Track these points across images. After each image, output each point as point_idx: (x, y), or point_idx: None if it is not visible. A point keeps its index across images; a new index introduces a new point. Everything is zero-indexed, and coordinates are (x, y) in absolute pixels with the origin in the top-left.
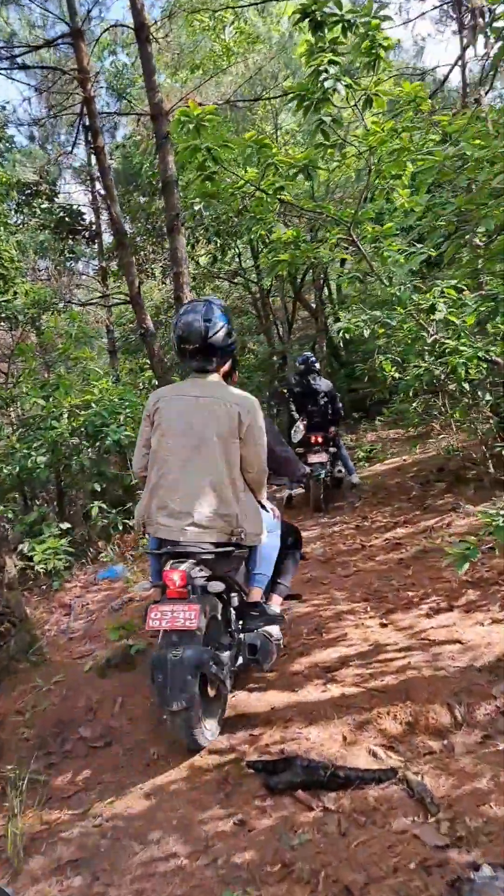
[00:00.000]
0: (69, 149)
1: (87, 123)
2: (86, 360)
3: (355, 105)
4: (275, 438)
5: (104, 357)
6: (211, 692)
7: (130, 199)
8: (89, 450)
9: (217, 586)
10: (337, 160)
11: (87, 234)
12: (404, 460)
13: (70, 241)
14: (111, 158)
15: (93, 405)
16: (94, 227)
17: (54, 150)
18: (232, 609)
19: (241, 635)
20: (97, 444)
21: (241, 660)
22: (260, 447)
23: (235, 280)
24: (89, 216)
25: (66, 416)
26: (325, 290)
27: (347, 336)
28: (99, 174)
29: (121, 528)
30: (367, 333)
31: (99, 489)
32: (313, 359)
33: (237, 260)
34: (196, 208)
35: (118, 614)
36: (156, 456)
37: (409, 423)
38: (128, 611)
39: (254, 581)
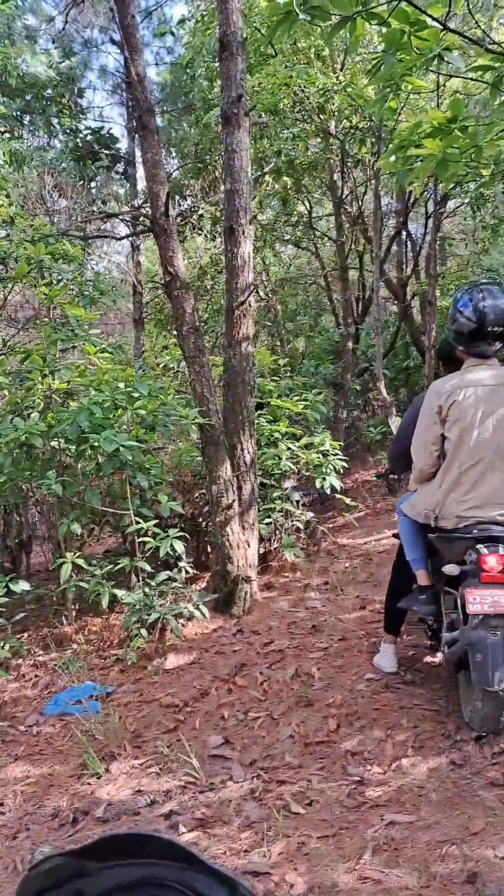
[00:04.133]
0: None
1: None
2: (80, 321)
3: None
4: None
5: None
6: None
7: (177, 126)
8: (73, 465)
9: None
10: None
11: (118, 168)
12: None
13: (95, 170)
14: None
15: (82, 395)
16: (127, 157)
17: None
18: None
19: None
20: (82, 457)
21: None
22: None
23: (303, 244)
24: (125, 144)
25: (41, 407)
26: (415, 261)
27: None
28: (117, 16)
29: (106, 603)
30: None
31: (79, 531)
32: None
33: (307, 213)
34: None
35: None
36: (457, 450)
37: None
38: None
39: None
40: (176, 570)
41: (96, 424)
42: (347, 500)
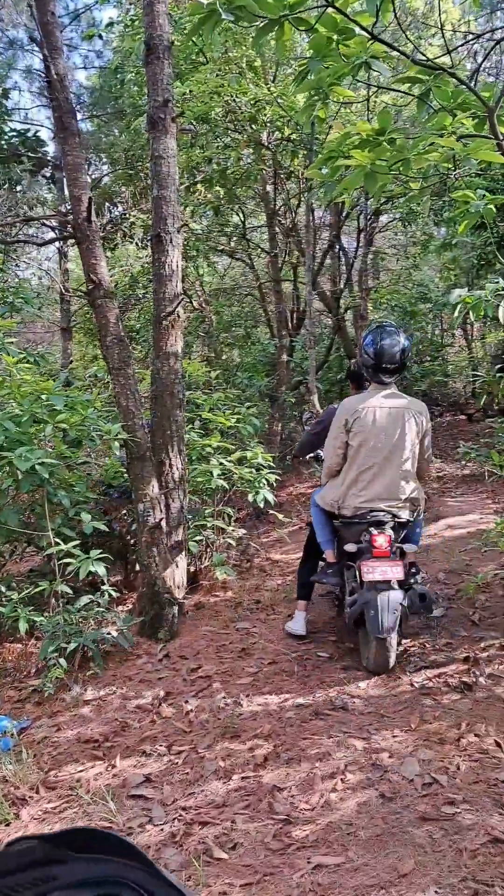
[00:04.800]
0: None
1: None
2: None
3: None
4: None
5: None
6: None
7: (107, 131)
8: None
9: (414, 548)
10: None
11: (45, 172)
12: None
13: (20, 173)
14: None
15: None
16: (54, 161)
17: None
18: None
19: (415, 586)
20: (0, 473)
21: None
22: (430, 442)
23: (237, 255)
24: (52, 148)
25: None
26: (348, 274)
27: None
28: (36, 13)
29: (24, 629)
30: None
31: None
32: None
33: (240, 224)
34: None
35: None
36: (356, 455)
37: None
38: None
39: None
40: (99, 593)
41: (13, 440)
42: (280, 516)
